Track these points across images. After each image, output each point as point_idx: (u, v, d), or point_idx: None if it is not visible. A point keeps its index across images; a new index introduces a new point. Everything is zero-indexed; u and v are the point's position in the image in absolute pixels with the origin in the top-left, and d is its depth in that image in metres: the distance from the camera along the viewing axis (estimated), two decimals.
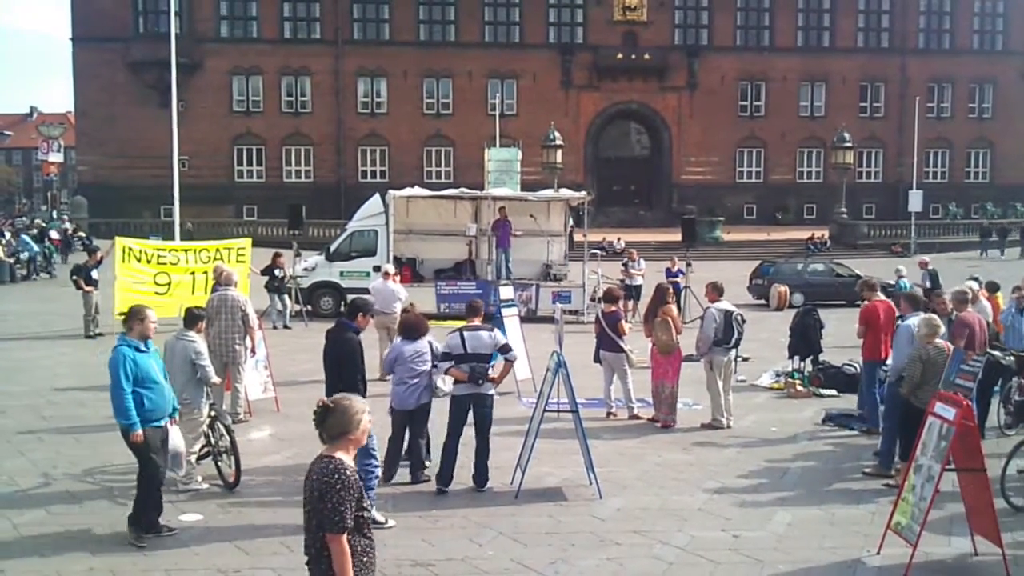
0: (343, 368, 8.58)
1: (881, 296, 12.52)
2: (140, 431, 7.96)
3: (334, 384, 8.61)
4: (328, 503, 4.32)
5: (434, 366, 9.58)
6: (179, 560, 7.61)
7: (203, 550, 7.84)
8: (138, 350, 8.11)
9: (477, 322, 9.93)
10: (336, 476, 4.36)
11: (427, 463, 9.94)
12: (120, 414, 7.95)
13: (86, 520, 8.56)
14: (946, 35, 66.14)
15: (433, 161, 62.18)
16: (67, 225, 44.38)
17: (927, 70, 64.50)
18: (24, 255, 36.42)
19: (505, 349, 9.83)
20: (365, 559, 4.47)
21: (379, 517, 8.42)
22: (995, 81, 65.74)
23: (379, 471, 8.79)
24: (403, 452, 9.83)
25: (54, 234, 42.73)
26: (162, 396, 8.20)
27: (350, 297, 23.91)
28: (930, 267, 24.00)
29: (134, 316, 8.28)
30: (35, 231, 41.04)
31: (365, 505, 4.50)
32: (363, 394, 8.60)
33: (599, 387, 13.31)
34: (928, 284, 21.60)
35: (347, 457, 4.48)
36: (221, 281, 12.70)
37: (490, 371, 9.65)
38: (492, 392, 9.72)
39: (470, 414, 9.56)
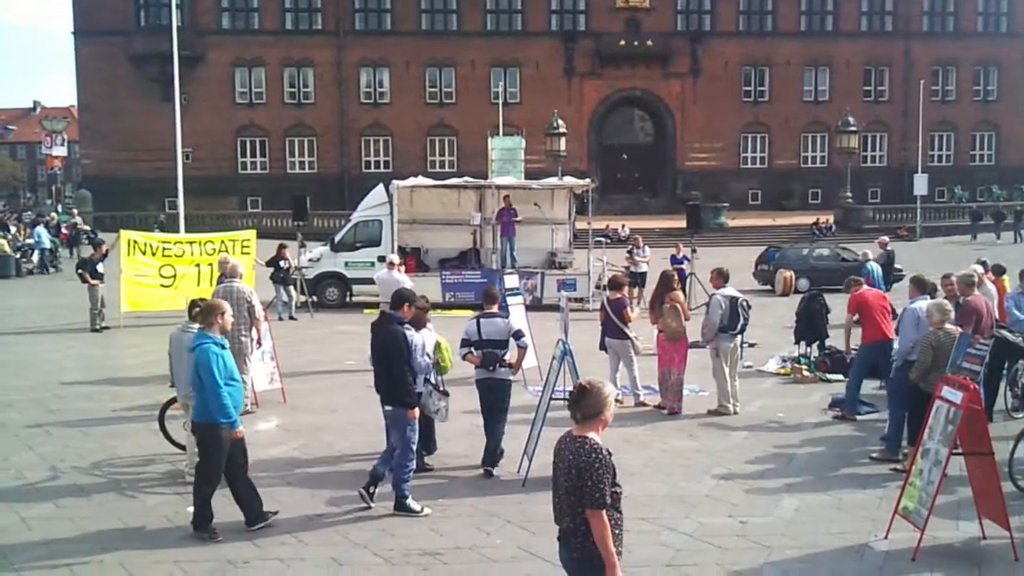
0: (391, 359, 8.56)
1: (866, 287, 12.64)
2: (241, 428, 7.95)
3: (382, 376, 8.63)
4: (588, 480, 4.60)
5: (432, 385, 9.58)
6: (188, 552, 7.63)
7: (212, 541, 7.85)
8: (222, 347, 8.07)
9: (494, 309, 10.20)
10: (593, 455, 4.64)
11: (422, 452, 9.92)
12: (220, 412, 7.83)
13: (95, 513, 8.58)
14: (950, 18, 65.77)
15: (437, 150, 62.11)
16: (76, 219, 44.18)
17: (931, 53, 64.19)
18: (26, 243, 36.49)
19: (518, 335, 10.02)
20: (618, 531, 4.74)
21: (415, 506, 8.51)
22: (1000, 64, 65.42)
23: (414, 464, 8.82)
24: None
25: (62, 228, 42.80)
26: (240, 392, 8.18)
27: (355, 288, 24.19)
28: (888, 247, 24.18)
29: (213, 311, 8.17)
30: (44, 224, 41.00)
31: (617, 481, 4.75)
32: (413, 383, 8.64)
33: (605, 374, 13.28)
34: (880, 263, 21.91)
35: (598, 437, 4.74)
36: (227, 273, 12.69)
37: (505, 357, 9.89)
38: (510, 377, 10.01)
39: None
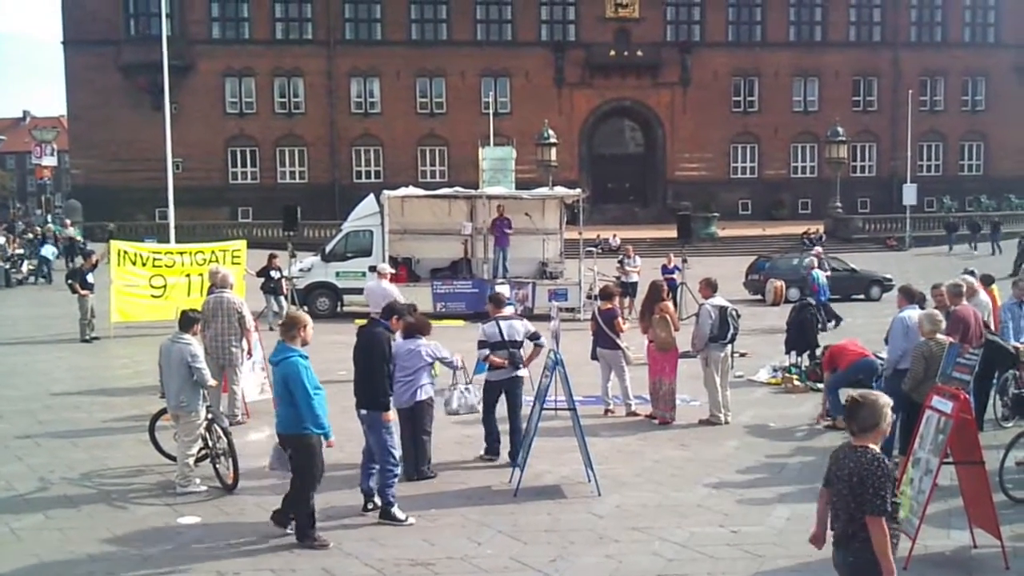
0: (372, 361, 8.63)
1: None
2: (333, 437, 7.99)
3: (361, 378, 8.70)
4: (870, 488, 4.84)
5: (465, 387, 10.29)
6: (178, 563, 7.59)
7: (202, 552, 7.83)
8: (305, 357, 8.10)
9: (506, 312, 10.81)
10: (876, 464, 4.90)
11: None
12: (312, 422, 7.84)
13: (84, 524, 8.54)
14: (938, 28, 66.19)
15: (427, 160, 62.15)
16: (70, 231, 43.45)
17: (919, 63, 64.54)
18: (16, 253, 36.39)
19: (535, 336, 10.62)
20: (895, 541, 5.00)
21: (399, 515, 8.50)
22: (987, 74, 65.80)
23: (399, 470, 8.82)
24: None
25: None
26: (325, 399, 8.17)
27: (346, 298, 24.17)
28: (822, 257, 25.62)
29: (296, 324, 8.24)
30: (38, 236, 40.94)
31: (896, 491, 5.04)
32: (390, 388, 8.72)
33: (596, 384, 13.30)
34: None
35: (876, 447, 5.00)
36: (217, 283, 12.68)
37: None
38: (523, 374, 10.63)
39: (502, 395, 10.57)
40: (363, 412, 8.67)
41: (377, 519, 8.54)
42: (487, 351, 10.39)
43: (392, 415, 8.69)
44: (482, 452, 10.65)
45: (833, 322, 21.82)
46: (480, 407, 10.32)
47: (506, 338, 10.34)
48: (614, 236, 46.18)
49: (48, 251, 36.83)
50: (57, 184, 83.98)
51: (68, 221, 46.85)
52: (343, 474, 9.92)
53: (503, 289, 16.08)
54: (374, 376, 8.57)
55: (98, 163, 58.46)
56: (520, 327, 10.56)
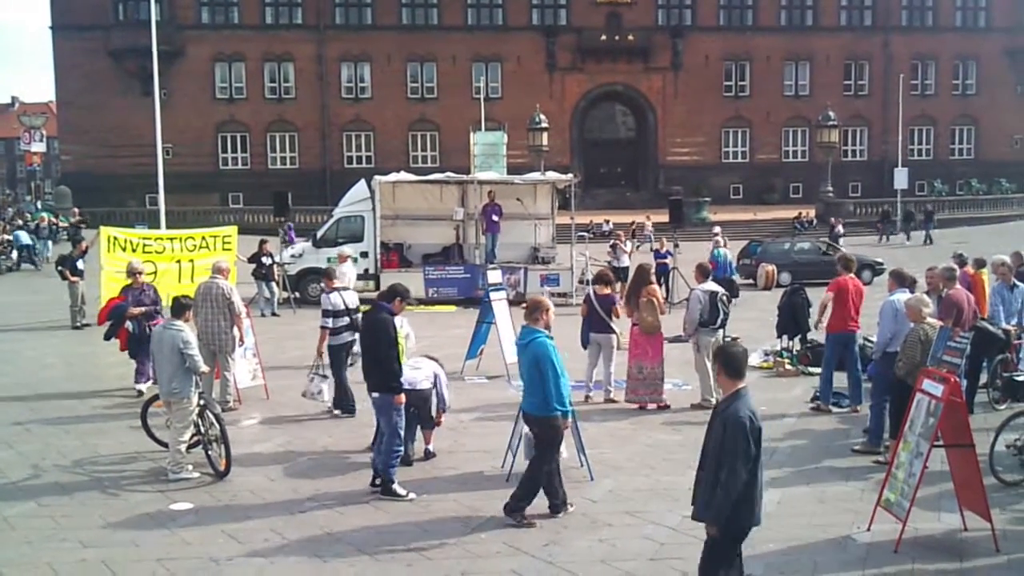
0: (379, 347, 8.76)
1: (852, 275, 12.62)
2: (570, 419, 8.05)
3: (370, 363, 8.85)
4: None
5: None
6: (170, 549, 7.60)
7: (194, 538, 7.83)
8: (551, 339, 8.15)
9: (337, 284, 12.24)
10: None
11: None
12: (558, 401, 7.93)
13: (76, 511, 8.53)
14: (929, 12, 66.14)
15: (419, 146, 62.02)
16: (76, 219, 42.54)
17: (910, 47, 64.54)
18: (4, 238, 36.29)
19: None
20: None
21: (400, 491, 8.67)
22: (978, 58, 65.85)
23: (403, 451, 9.01)
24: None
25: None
26: (568, 384, 8.23)
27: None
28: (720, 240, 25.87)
29: (540, 307, 8.33)
30: (32, 223, 40.60)
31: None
32: (399, 373, 8.86)
33: (583, 371, 13.24)
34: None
35: None
36: (211, 269, 12.70)
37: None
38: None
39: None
40: (375, 395, 8.85)
41: (379, 495, 8.69)
42: (330, 320, 11.68)
43: (402, 398, 8.85)
44: (332, 405, 12.02)
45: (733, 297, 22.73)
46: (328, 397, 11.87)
47: (348, 306, 11.74)
48: (606, 221, 46.14)
49: (24, 237, 36.62)
50: (47, 170, 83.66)
51: (76, 209, 46.17)
52: (333, 461, 9.96)
53: (494, 275, 15.96)
54: (384, 361, 8.74)
55: (88, 149, 58.19)
56: (356, 296, 12.10)
